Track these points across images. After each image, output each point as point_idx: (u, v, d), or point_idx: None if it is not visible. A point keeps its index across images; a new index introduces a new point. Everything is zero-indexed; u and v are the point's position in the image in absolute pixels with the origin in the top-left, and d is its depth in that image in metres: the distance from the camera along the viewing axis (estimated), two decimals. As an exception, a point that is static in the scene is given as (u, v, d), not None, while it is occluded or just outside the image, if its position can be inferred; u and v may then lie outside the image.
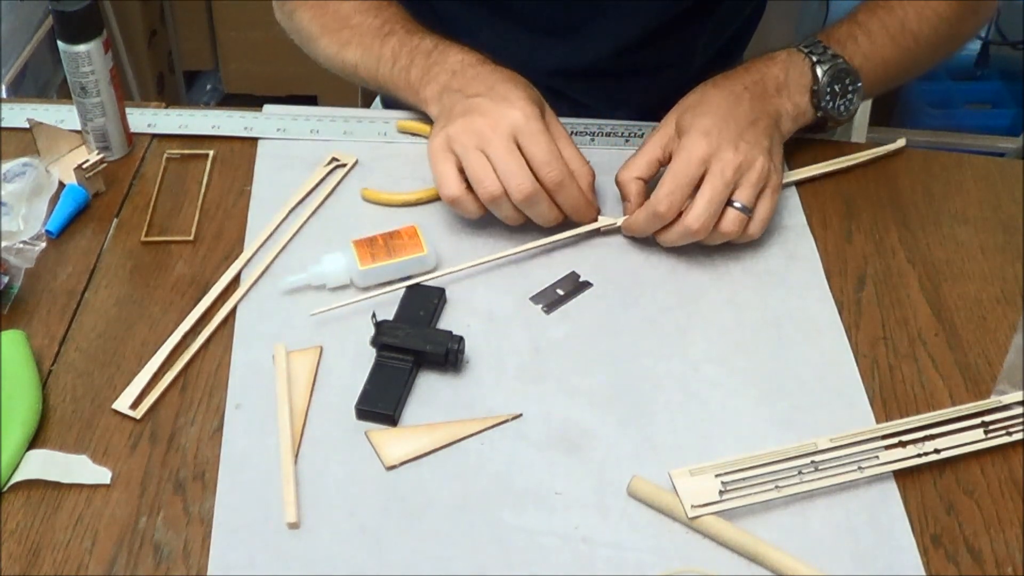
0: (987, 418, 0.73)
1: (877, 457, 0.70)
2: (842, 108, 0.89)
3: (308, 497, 0.69)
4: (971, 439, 0.72)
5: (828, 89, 0.88)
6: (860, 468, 0.70)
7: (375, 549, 0.66)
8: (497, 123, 0.81)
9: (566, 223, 0.87)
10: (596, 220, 0.87)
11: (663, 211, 0.82)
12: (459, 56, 0.90)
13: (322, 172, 0.94)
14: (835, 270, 0.86)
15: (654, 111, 1.03)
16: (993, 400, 0.75)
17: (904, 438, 0.72)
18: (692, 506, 0.67)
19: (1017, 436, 0.73)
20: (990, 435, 0.72)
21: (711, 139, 0.81)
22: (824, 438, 0.71)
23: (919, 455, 0.71)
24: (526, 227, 0.88)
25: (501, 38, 1.04)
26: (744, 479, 0.69)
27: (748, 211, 0.82)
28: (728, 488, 0.68)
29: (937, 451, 0.71)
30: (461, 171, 0.83)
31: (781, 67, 0.88)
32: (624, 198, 0.87)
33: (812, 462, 0.70)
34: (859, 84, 0.89)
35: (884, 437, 0.72)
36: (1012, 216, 0.92)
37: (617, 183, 0.87)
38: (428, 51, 0.91)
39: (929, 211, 0.93)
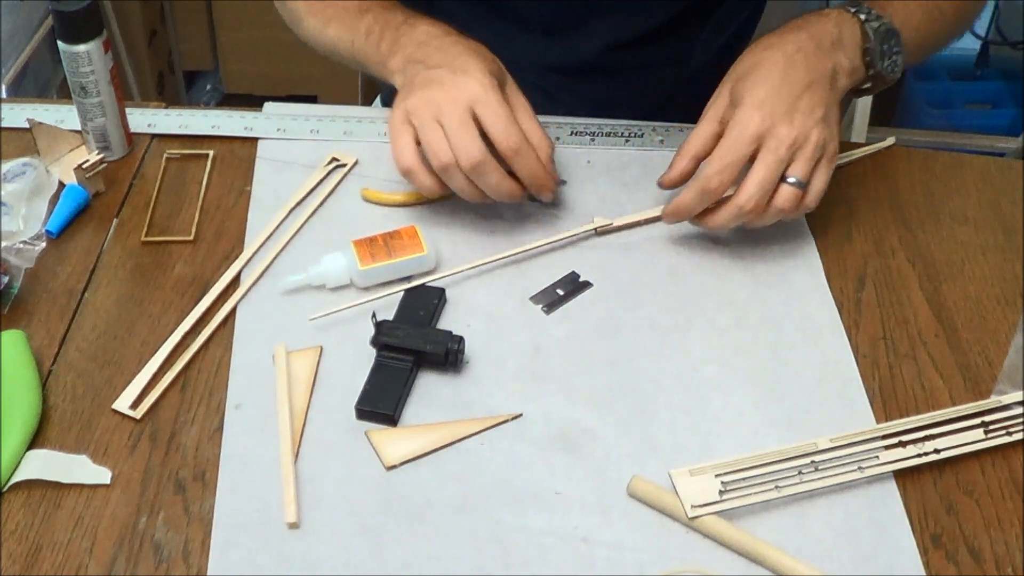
0: (987, 418, 0.73)
1: (877, 457, 0.70)
2: (890, 68, 0.87)
3: (308, 497, 0.69)
4: (971, 439, 0.72)
5: (878, 49, 0.86)
6: (860, 468, 0.70)
7: (375, 549, 0.66)
8: (454, 95, 0.81)
9: (561, 226, 0.87)
10: (553, 192, 0.86)
11: (714, 187, 0.80)
12: (425, 28, 0.90)
13: (322, 172, 0.94)
14: (835, 270, 0.86)
15: (654, 110, 1.03)
16: (993, 400, 0.75)
17: (904, 438, 0.72)
18: (692, 506, 0.67)
19: (1017, 436, 0.73)
20: (990, 435, 0.72)
21: (765, 112, 0.79)
22: (824, 438, 0.71)
23: (919, 455, 0.71)
24: (526, 227, 0.89)
25: (499, 36, 1.04)
26: (744, 479, 0.69)
27: (803, 185, 0.80)
28: (728, 488, 0.68)
29: (937, 451, 0.71)
30: (419, 144, 0.83)
31: (834, 23, 0.85)
32: (670, 173, 0.85)
33: (812, 462, 0.70)
34: (901, 46, 0.88)
35: (884, 437, 0.72)
36: (1012, 216, 0.92)
37: (673, 161, 0.85)
38: (398, 24, 0.92)
39: (929, 211, 0.93)
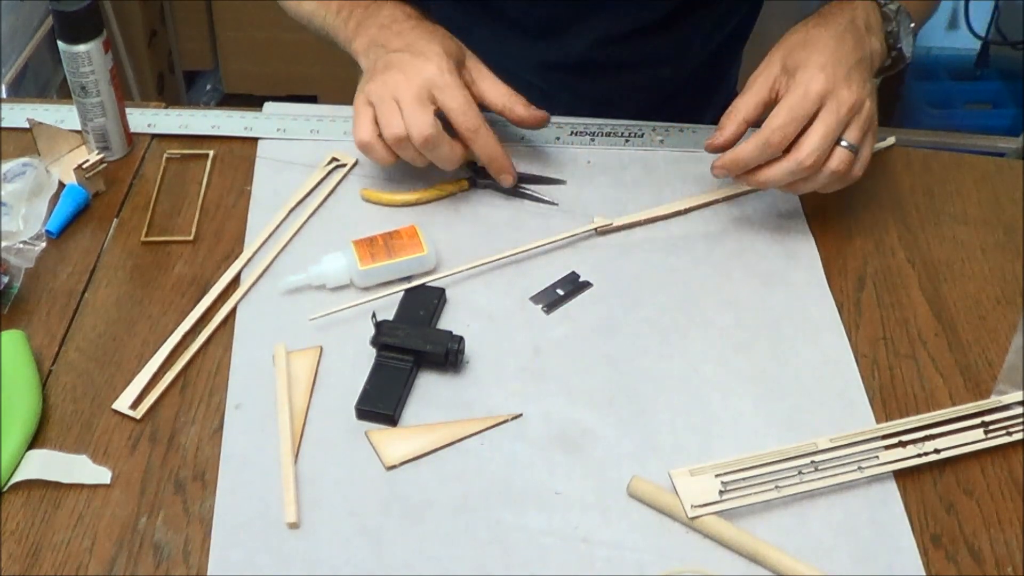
0: (987, 418, 0.73)
1: (877, 457, 0.70)
2: (907, 47, 0.90)
3: (308, 497, 0.69)
4: (971, 439, 0.72)
5: (898, 30, 0.89)
6: (860, 468, 0.70)
7: (375, 549, 0.66)
8: (412, 77, 0.85)
9: (561, 226, 0.87)
10: (514, 177, 0.90)
11: (776, 142, 0.81)
12: (389, 11, 0.92)
13: (322, 172, 0.94)
14: (835, 270, 0.86)
15: (653, 109, 1.03)
16: (993, 400, 0.75)
17: (904, 438, 0.72)
18: (692, 506, 0.67)
19: (1017, 436, 0.73)
20: (990, 435, 0.72)
21: (828, 74, 0.81)
22: (824, 438, 0.71)
23: (919, 455, 0.71)
24: (526, 227, 0.88)
25: (495, 35, 1.06)
26: (744, 479, 0.69)
27: (855, 150, 0.82)
28: (728, 488, 0.68)
29: (937, 451, 0.71)
30: (378, 123, 0.86)
31: (862, 10, 0.88)
32: (720, 136, 0.85)
33: (812, 462, 0.70)
34: (911, 25, 0.90)
35: (884, 437, 0.72)
36: (1012, 216, 0.92)
37: (721, 124, 0.85)
38: (365, 5, 0.94)
39: (929, 211, 0.93)
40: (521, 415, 0.74)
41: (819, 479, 0.69)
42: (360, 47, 0.92)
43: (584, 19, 1.04)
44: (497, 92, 0.89)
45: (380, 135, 0.86)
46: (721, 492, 0.68)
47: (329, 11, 0.97)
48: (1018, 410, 0.74)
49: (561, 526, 0.67)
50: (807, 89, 0.80)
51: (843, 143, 0.81)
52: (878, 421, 0.74)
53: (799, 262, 0.87)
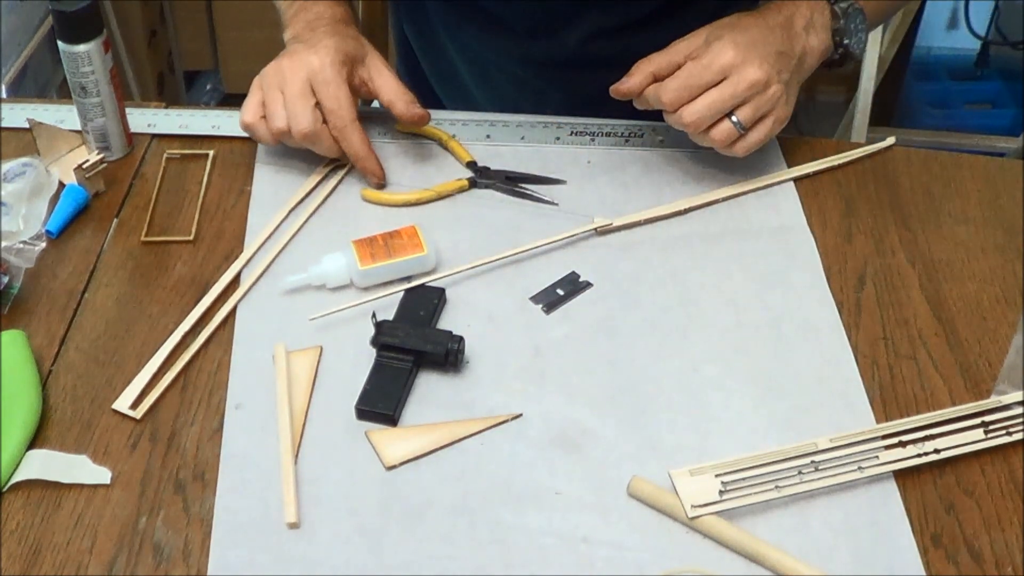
0: (987, 418, 0.73)
1: (877, 457, 0.70)
2: (856, 44, 0.93)
3: (308, 497, 0.69)
4: (971, 439, 0.72)
5: (846, 28, 0.92)
6: (860, 468, 0.70)
7: (375, 549, 0.66)
8: (297, 67, 0.88)
9: (561, 226, 0.87)
10: (379, 178, 0.92)
11: (667, 101, 0.85)
12: (319, 10, 0.95)
13: (322, 172, 0.94)
14: (835, 270, 0.86)
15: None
16: (993, 400, 0.75)
17: (904, 438, 0.72)
18: (692, 506, 0.67)
19: (1017, 436, 0.73)
20: (990, 435, 0.72)
21: (739, 51, 0.84)
22: (824, 438, 0.71)
23: (919, 455, 0.71)
24: (526, 227, 0.88)
25: (485, 33, 1.06)
26: (744, 479, 0.69)
27: (743, 129, 0.85)
28: (728, 488, 0.68)
29: (937, 451, 0.71)
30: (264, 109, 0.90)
31: (807, 8, 0.91)
32: (625, 83, 0.89)
33: (812, 462, 0.70)
34: (866, 23, 0.93)
35: (884, 437, 0.72)
36: (1012, 216, 0.92)
37: (631, 71, 0.89)
38: (304, 1, 0.97)
39: (929, 211, 0.93)
40: (521, 415, 0.74)
41: (819, 479, 0.69)
42: (287, 38, 0.96)
43: (574, 16, 1.04)
44: (387, 89, 0.92)
45: (264, 117, 0.89)
46: (721, 492, 0.68)
47: (284, 2, 1.00)
48: (1018, 410, 0.74)
49: (561, 526, 0.67)
50: (712, 60, 0.84)
51: (733, 119, 0.84)
52: (878, 421, 0.74)
53: (799, 262, 0.87)
